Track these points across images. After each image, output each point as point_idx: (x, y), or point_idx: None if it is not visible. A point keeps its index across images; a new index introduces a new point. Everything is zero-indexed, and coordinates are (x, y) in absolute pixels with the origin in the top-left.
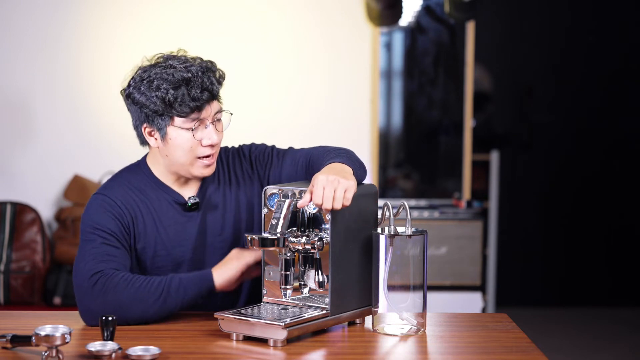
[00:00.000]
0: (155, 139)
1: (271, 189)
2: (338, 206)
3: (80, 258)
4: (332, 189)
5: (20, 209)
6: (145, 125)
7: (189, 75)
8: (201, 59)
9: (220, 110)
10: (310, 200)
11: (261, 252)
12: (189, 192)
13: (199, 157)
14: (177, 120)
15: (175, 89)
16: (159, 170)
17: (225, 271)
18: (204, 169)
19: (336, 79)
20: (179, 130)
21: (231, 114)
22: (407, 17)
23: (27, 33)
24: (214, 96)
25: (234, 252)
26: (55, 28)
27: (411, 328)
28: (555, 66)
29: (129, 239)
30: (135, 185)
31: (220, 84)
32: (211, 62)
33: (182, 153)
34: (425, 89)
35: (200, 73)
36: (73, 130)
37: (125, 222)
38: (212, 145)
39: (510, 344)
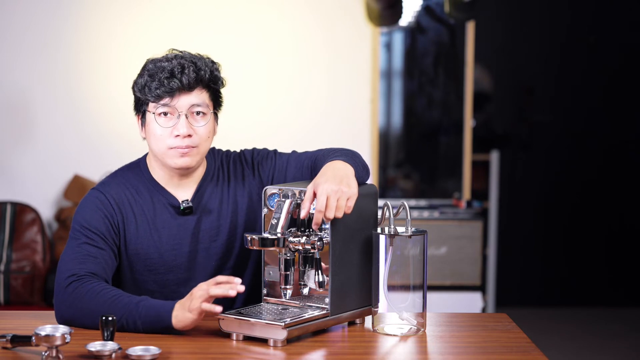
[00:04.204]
0: (141, 124)
1: (271, 189)
2: (340, 215)
3: (64, 255)
4: (335, 198)
5: (20, 209)
6: (136, 112)
7: (166, 64)
8: (210, 58)
9: (200, 105)
10: (309, 210)
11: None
12: (184, 195)
13: (171, 147)
14: (150, 106)
15: (150, 75)
16: (154, 167)
17: (184, 319)
18: (178, 159)
19: (336, 79)
20: (151, 115)
21: (215, 114)
22: (407, 17)
23: (27, 33)
24: (184, 86)
25: (198, 294)
26: (55, 28)
27: (411, 328)
28: (555, 66)
29: (117, 239)
30: (133, 184)
31: (201, 79)
32: (207, 61)
33: (154, 140)
34: (425, 89)
35: (177, 64)
36: (73, 130)
37: (115, 222)
38: (182, 137)
39: (510, 344)
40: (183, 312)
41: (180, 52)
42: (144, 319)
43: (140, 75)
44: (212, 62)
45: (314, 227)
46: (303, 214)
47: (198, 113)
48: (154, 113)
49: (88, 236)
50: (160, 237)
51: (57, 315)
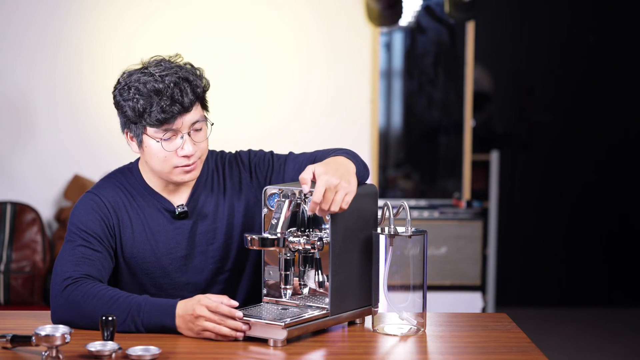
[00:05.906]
0: (136, 144)
1: (271, 189)
2: (335, 209)
3: (60, 257)
4: (333, 191)
5: (20, 209)
6: (126, 129)
7: (161, 86)
8: (191, 65)
9: (199, 120)
10: (310, 185)
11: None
12: (179, 200)
13: (176, 166)
14: (150, 130)
15: (145, 99)
16: (148, 175)
17: (186, 333)
18: (184, 175)
19: (336, 79)
20: (151, 140)
21: (212, 124)
22: (407, 17)
23: (27, 33)
24: (186, 108)
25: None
26: (55, 28)
27: (411, 328)
28: (555, 66)
29: (113, 242)
30: (127, 187)
31: (197, 95)
32: (194, 71)
33: (157, 162)
34: (425, 89)
35: (172, 84)
36: (73, 130)
37: (111, 224)
38: (187, 156)
39: (510, 344)
40: (185, 325)
41: (161, 62)
42: (146, 326)
43: (125, 91)
44: (195, 68)
45: (310, 212)
46: (306, 190)
47: (198, 129)
48: (158, 139)
49: (84, 238)
50: (157, 242)
51: (53, 318)
